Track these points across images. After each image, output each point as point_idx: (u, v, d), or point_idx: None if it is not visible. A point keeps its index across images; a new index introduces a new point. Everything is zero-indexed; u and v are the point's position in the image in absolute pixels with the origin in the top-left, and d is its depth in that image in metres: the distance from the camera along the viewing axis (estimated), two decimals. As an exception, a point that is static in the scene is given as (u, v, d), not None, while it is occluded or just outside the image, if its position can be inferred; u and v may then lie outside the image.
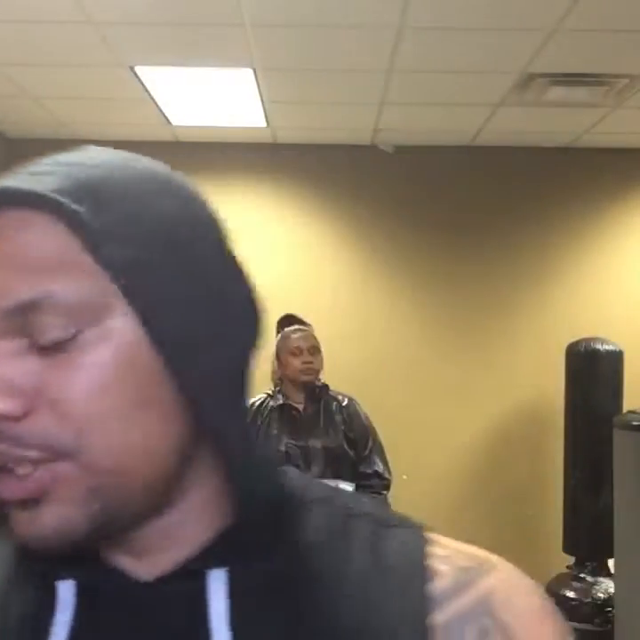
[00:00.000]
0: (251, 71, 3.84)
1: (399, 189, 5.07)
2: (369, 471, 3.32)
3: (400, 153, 5.04)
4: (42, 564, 0.56)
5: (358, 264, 5.11)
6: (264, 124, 4.69)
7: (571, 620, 4.26)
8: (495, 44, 3.47)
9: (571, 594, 4.33)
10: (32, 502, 0.51)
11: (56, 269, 0.50)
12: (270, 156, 5.07)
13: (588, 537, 4.42)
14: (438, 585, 0.57)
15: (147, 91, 4.12)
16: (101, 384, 0.50)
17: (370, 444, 3.36)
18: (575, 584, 4.37)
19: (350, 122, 4.68)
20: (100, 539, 0.55)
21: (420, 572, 0.57)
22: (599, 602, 4.24)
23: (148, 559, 0.57)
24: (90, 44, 3.51)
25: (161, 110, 4.43)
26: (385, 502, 3.32)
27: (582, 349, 4.50)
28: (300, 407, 3.32)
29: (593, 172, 5.08)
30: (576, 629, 4.36)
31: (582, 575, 4.40)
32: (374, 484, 3.32)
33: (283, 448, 3.22)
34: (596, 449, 4.35)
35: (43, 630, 0.55)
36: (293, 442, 3.24)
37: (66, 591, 0.56)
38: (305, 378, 3.31)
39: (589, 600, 4.27)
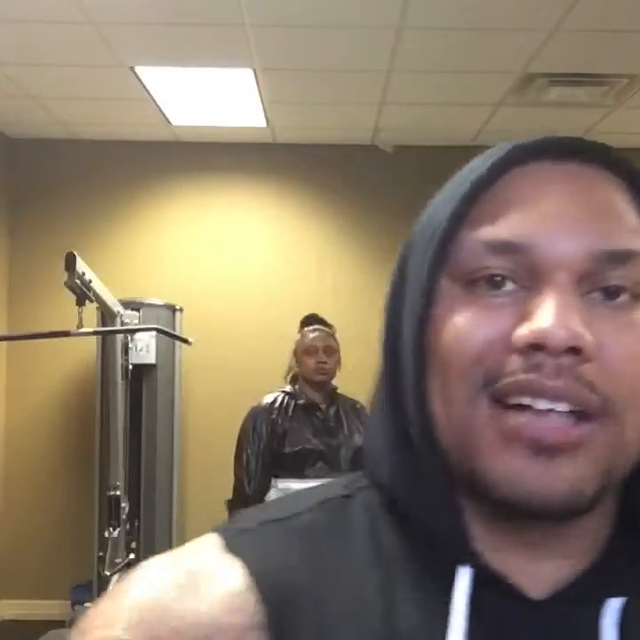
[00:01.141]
0: (251, 71, 3.84)
1: (399, 189, 5.07)
2: None
3: (400, 153, 5.04)
4: (441, 552, 0.53)
5: (358, 264, 5.11)
6: (264, 124, 4.69)
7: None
8: (495, 44, 3.47)
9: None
10: (554, 451, 0.49)
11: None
12: (270, 156, 5.07)
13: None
14: None
15: (147, 91, 4.12)
16: None
17: None
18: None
19: (350, 122, 4.68)
20: (571, 518, 0.51)
21: None
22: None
23: (540, 563, 0.53)
24: (90, 44, 3.51)
25: (161, 110, 4.44)
26: None
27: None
28: (323, 407, 3.31)
29: (593, 172, 5.08)
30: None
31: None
32: None
33: (310, 447, 3.18)
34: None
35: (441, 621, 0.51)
36: (317, 442, 3.21)
37: (462, 581, 0.52)
38: (318, 377, 3.29)
39: (589, 600, 4.27)
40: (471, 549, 0.52)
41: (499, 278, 0.51)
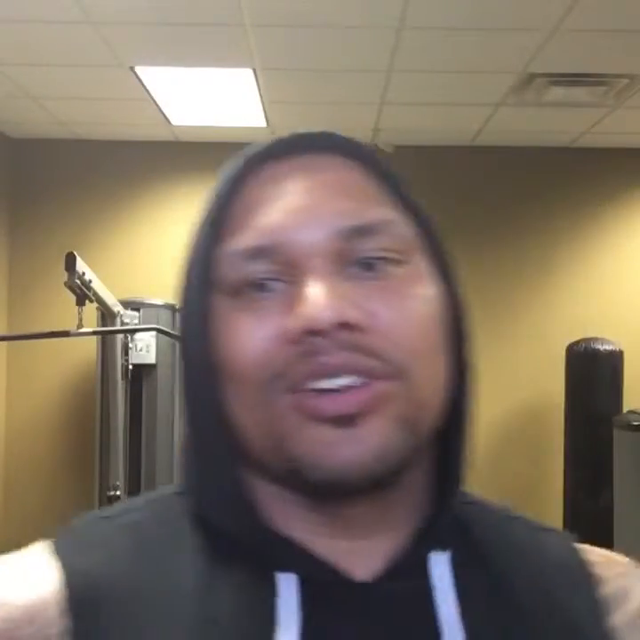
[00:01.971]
0: (251, 71, 3.84)
1: (399, 189, 5.07)
2: None
3: (400, 153, 5.04)
4: (257, 555, 0.54)
5: (358, 264, 5.11)
6: (264, 124, 4.69)
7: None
8: (495, 44, 3.47)
9: (571, 594, 4.33)
10: (351, 419, 0.50)
11: (384, 205, 0.55)
12: (270, 156, 5.07)
13: (588, 537, 4.41)
14: (606, 589, 0.60)
15: (147, 91, 4.12)
16: (424, 318, 0.53)
17: None
18: (575, 584, 4.37)
19: (350, 122, 4.68)
20: (383, 486, 0.53)
21: (587, 574, 0.61)
22: (599, 602, 4.24)
23: (360, 542, 0.55)
24: (90, 44, 3.51)
25: (161, 110, 4.43)
26: None
27: (582, 349, 4.51)
28: None
29: (593, 172, 5.08)
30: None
31: (582, 575, 4.40)
32: None
33: None
34: (596, 449, 4.35)
35: (267, 619, 0.52)
36: None
37: (286, 583, 0.53)
38: None
39: (589, 600, 4.27)
40: (292, 552, 0.54)
41: (261, 282, 0.53)
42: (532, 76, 3.83)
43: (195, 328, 0.56)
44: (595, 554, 0.64)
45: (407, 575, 0.54)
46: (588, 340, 4.52)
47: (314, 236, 0.52)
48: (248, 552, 0.54)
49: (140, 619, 0.52)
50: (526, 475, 5.07)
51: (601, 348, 4.46)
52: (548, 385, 4.92)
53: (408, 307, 0.53)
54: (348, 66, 3.77)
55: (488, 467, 5.09)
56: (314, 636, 0.51)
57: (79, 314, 3.56)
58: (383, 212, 0.55)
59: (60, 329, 3.77)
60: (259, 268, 0.53)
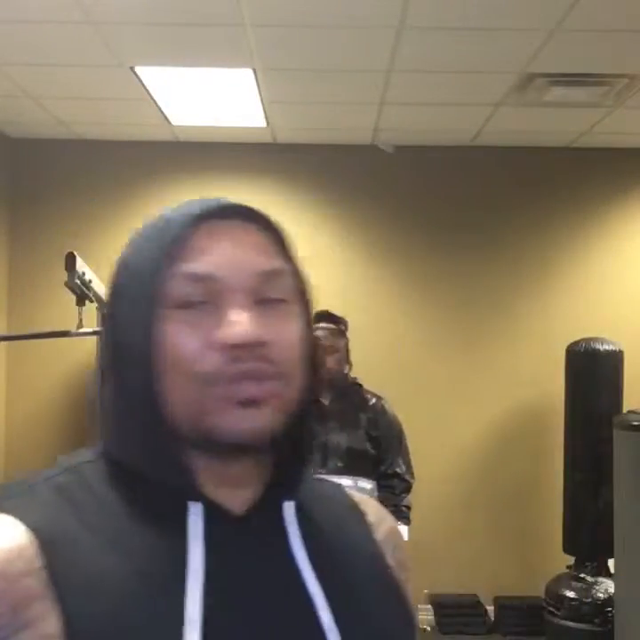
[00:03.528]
0: (251, 71, 3.84)
1: (399, 189, 5.07)
2: (390, 472, 3.32)
3: (400, 153, 5.04)
4: (170, 492, 0.76)
5: (358, 264, 5.11)
6: (264, 124, 4.69)
7: (571, 619, 4.27)
8: (495, 44, 3.47)
9: (571, 594, 4.33)
10: (256, 403, 0.75)
11: (280, 258, 0.81)
12: (270, 156, 5.07)
13: (588, 537, 4.42)
14: (369, 518, 0.91)
15: (147, 91, 4.12)
16: (299, 342, 0.79)
17: (394, 444, 3.37)
18: (575, 584, 4.37)
19: (350, 122, 4.68)
20: (264, 450, 0.78)
21: (357, 508, 0.91)
22: (599, 602, 4.24)
23: (239, 491, 0.79)
24: (90, 44, 3.51)
25: (161, 110, 4.43)
26: (405, 505, 3.30)
27: (582, 349, 4.50)
28: (326, 402, 3.33)
29: (593, 172, 5.08)
30: (576, 629, 4.37)
31: (582, 575, 4.39)
32: (394, 485, 3.30)
33: None
34: (596, 449, 4.36)
35: (179, 557, 0.74)
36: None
37: (195, 509, 0.76)
38: None
39: (589, 600, 4.27)
40: (198, 490, 0.77)
41: (197, 301, 0.75)
42: (532, 76, 3.83)
43: (140, 331, 0.75)
44: (356, 497, 0.93)
45: (267, 513, 0.80)
46: (587, 340, 4.52)
47: (241, 277, 0.77)
48: (159, 497, 0.77)
49: (85, 556, 0.72)
50: (526, 475, 5.07)
51: (601, 347, 4.46)
52: (548, 385, 4.91)
53: (289, 333, 0.78)
54: (348, 66, 3.77)
55: (488, 467, 5.09)
56: (215, 549, 0.75)
57: (79, 314, 3.57)
58: (280, 263, 0.80)
59: (60, 329, 3.77)
60: (197, 291, 0.76)
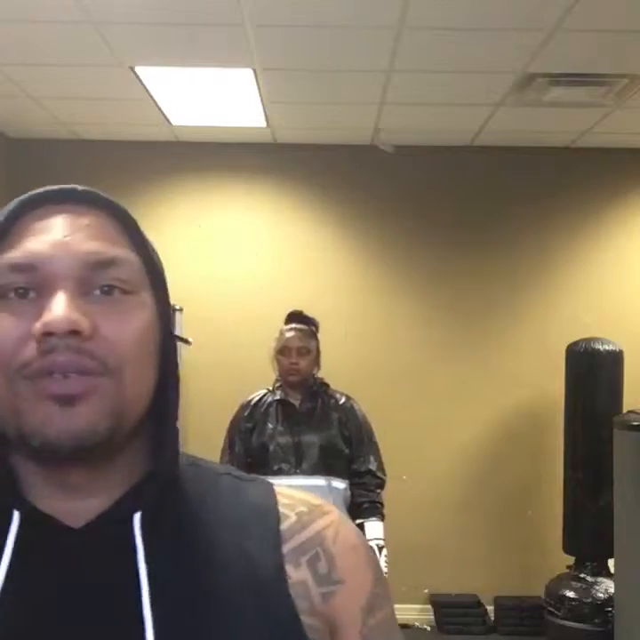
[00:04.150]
0: (251, 71, 3.84)
1: (399, 189, 5.07)
2: (362, 469, 3.33)
3: (400, 153, 5.04)
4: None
5: (358, 264, 5.11)
6: (264, 124, 4.69)
7: (571, 619, 4.27)
8: (495, 44, 3.47)
9: (571, 594, 4.33)
10: (71, 400, 0.67)
11: (121, 245, 0.74)
12: (270, 156, 5.07)
13: (588, 537, 4.42)
14: (285, 524, 0.79)
15: (147, 91, 4.12)
16: (139, 335, 0.72)
17: (365, 442, 3.38)
18: (575, 584, 4.37)
19: (350, 122, 4.68)
20: (90, 456, 0.70)
21: (272, 514, 0.79)
22: (599, 602, 4.24)
23: (82, 502, 0.72)
24: (90, 44, 3.51)
25: (161, 110, 4.43)
26: (379, 501, 3.33)
27: (582, 349, 4.50)
28: (297, 403, 3.35)
29: (593, 172, 5.08)
30: (576, 629, 4.36)
31: (582, 575, 4.40)
32: (367, 482, 3.33)
33: (277, 442, 3.26)
34: (596, 449, 4.36)
35: None
36: (287, 437, 3.27)
37: (14, 523, 0.71)
38: (290, 378, 3.34)
39: (589, 600, 4.27)
40: (21, 498, 0.71)
41: (22, 290, 0.70)
42: (532, 76, 3.83)
43: None
44: (285, 496, 0.82)
45: (110, 528, 0.72)
46: (587, 340, 4.52)
47: (66, 263, 0.71)
48: None
49: None
50: (526, 475, 5.07)
51: (601, 347, 4.46)
52: (548, 385, 4.91)
53: (127, 324, 0.71)
54: (348, 66, 3.77)
55: (488, 468, 5.09)
56: (22, 563, 0.69)
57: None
58: (120, 251, 0.73)
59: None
60: (19, 280, 0.70)
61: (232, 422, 3.43)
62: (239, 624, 0.71)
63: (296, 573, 0.76)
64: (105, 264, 0.71)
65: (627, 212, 5.12)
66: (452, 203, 5.08)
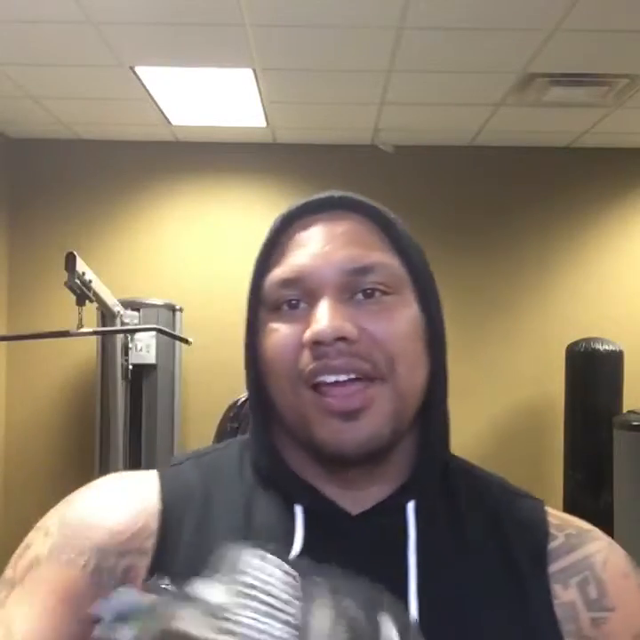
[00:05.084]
0: (251, 71, 3.84)
1: (399, 189, 5.07)
2: None
3: (400, 153, 5.04)
4: (282, 492, 0.77)
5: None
6: (264, 124, 4.69)
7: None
8: (495, 44, 3.47)
9: (571, 594, 4.32)
10: (354, 414, 0.72)
11: (377, 248, 0.77)
12: (270, 156, 5.07)
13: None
14: (553, 544, 0.79)
15: (147, 91, 4.12)
16: (405, 333, 0.76)
17: None
18: (575, 584, 4.36)
19: (350, 122, 4.68)
20: (375, 458, 0.75)
21: (541, 531, 0.80)
22: (599, 602, 4.24)
23: (359, 492, 0.77)
24: (90, 44, 3.51)
25: (161, 110, 4.43)
26: None
27: (582, 349, 4.51)
28: None
29: (593, 172, 5.08)
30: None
31: (582, 575, 4.39)
32: None
33: None
34: (596, 449, 4.36)
35: (286, 537, 0.74)
36: None
37: (299, 512, 0.76)
38: None
39: (589, 600, 4.27)
40: (307, 486, 0.77)
41: (294, 302, 0.76)
42: (532, 76, 3.83)
43: (247, 333, 0.80)
44: (555, 516, 0.83)
45: (386, 515, 0.76)
46: (587, 340, 4.52)
47: (326, 273, 0.75)
48: (279, 487, 0.78)
49: (206, 521, 0.76)
50: (526, 475, 5.06)
51: (601, 347, 4.46)
52: (548, 385, 4.91)
53: (393, 324, 0.75)
54: (348, 66, 3.77)
55: (488, 466, 5.07)
56: (313, 544, 0.73)
57: (79, 314, 3.56)
58: (380, 256, 0.77)
59: (60, 329, 3.77)
60: (289, 293, 0.76)
61: (219, 423, 3.43)
62: (500, 632, 0.72)
63: (564, 594, 0.76)
64: (365, 270, 0.75)
65: (627, 213, 5.12)
66: (451, 202, 5.08)
